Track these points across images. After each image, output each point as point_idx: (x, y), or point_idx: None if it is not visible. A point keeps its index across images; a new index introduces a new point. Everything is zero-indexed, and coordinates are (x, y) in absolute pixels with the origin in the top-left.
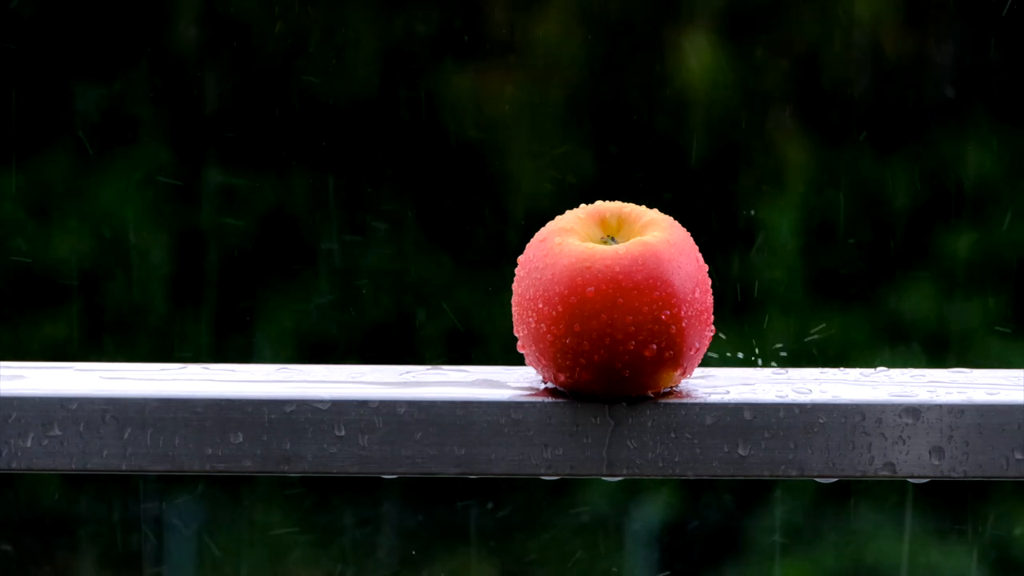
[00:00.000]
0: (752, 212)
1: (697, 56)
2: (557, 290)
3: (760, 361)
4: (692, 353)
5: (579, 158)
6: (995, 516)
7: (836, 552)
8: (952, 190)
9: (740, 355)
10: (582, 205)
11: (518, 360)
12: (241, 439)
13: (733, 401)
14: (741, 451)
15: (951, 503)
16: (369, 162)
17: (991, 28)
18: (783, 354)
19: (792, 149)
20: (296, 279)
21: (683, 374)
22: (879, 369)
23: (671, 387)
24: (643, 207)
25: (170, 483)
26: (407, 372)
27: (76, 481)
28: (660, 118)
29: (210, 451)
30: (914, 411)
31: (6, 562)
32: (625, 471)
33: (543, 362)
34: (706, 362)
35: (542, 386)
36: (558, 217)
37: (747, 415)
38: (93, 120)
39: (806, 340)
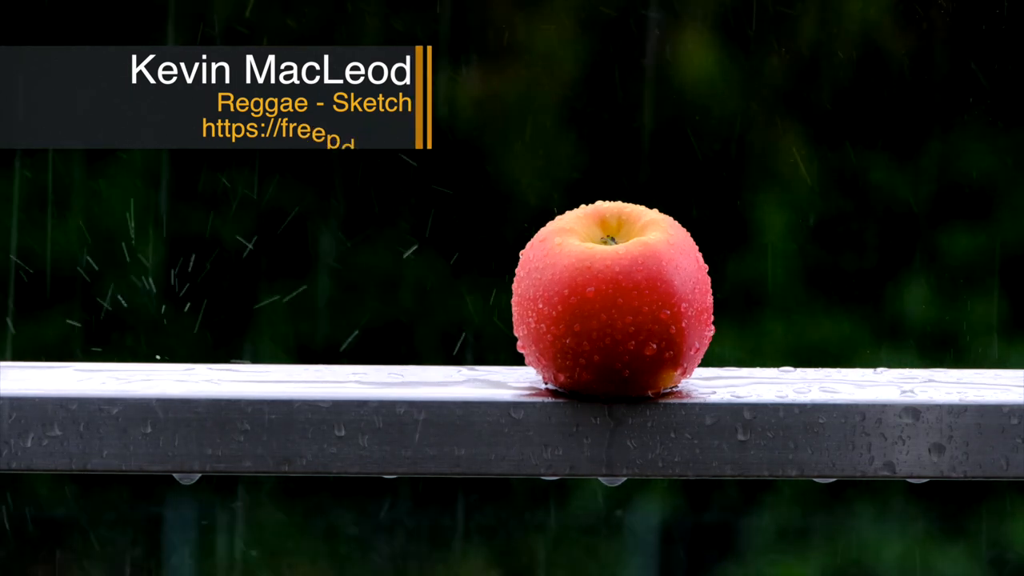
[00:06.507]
0: (751, 212)
1: (696, 55)
2: (557, 290)
3: (760, 361)
4: (692, 353)
5: (578, 158)
6: (995, 516)
7: (835, 552)
8: (952, 190)
9: (740, 355)
10: (582, 205)
11: (518, 360)
12: (241, 439)
13: (733, 401)
14: (741, 451)
15: (951, 503)
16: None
17: (991, 28)
18: (782, 354)
19: (791, 148)
20: (295, 280)
21: (683, 374)
22: (879, 369)
23: (671, 387)
24: (643, 207)
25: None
26: (406, 372)
27: (77, 481)
28: (660, 118)
29: (210, 451)
30: (914, 411)
31: (6, 562)
32: (625, 471)
33: (543, 362)
34: (706, 362)
35: (542, 386)
36: (558, 217)
37: (747, 415)
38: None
39: (805, 340)
